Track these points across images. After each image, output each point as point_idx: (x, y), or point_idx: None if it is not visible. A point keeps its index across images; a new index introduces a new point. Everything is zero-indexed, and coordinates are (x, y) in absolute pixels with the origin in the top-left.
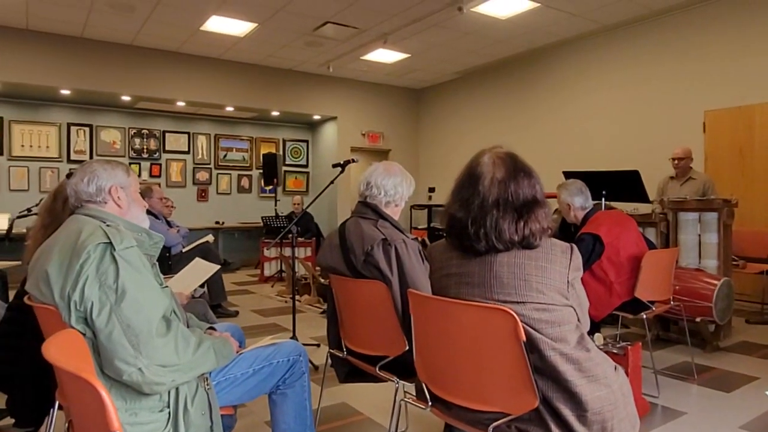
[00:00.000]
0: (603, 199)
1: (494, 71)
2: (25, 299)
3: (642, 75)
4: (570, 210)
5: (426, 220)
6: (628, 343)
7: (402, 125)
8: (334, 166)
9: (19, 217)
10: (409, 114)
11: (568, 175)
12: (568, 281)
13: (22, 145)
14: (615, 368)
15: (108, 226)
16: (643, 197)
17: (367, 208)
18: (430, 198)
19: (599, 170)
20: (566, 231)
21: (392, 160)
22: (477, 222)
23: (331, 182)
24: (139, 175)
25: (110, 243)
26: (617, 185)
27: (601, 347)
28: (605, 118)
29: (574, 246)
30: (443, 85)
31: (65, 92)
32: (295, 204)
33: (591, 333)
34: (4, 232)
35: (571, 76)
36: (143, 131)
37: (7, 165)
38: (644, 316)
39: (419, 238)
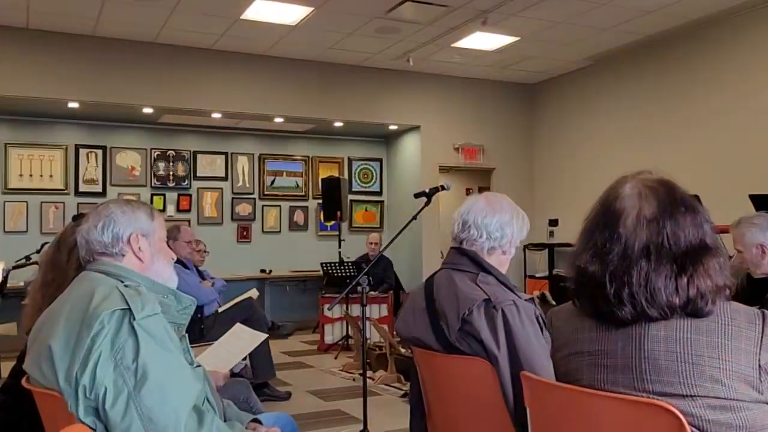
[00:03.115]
0: None
1: (642, 55)
2: (23, 381)
3: None
4: (764, 255)
5: (546, 266)
6: None
7: (510, 135)
8: (417, 195)
9: (15, 267)
10: (520, 119)
11: (759, 201)
12: (759, 366)
13: (20, 174)
14: None
15: (126, 286)
16: None
17: (464, 257)
18: (551, 234)
19: None
20: (752, 287)
21: (497, 181)
22: (618, 278)
23: (413, 218)
24: (164, 210)
25: (129, 309)
26: None
27: None
28: None
29: (767, 313)
30: (568, 78)
31: (73, 106)
32: (371, 244)
33: None
34: None
35: (757, 56)
36: (169, 153)
37: (2, 200)
38: None
39: (537, 294)
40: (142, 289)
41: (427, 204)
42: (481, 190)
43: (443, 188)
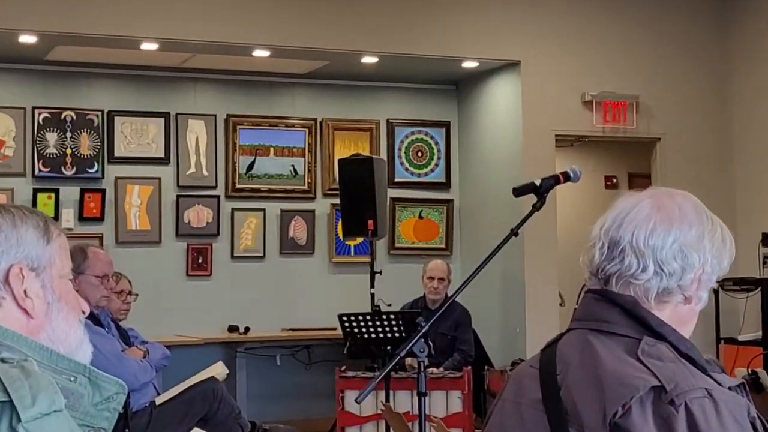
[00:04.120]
0: None
1: None
2: None
3: None
4: None
5: (758, 321)
6: None
7: (688, 78)
8: (520, 191)
9: None
10: (707, 47)
11: None
12: None
13: None
14: None
15: (4, 361)
16: None
17: (613, 309)
18: (766, 262)
19: None
20: None
21: (665, 163)
22: None
23: (513, 233)
24: (57, 217)
25: (10, 402)
26: None
27: None
28: None
29: None
30: None
31: None
32: (431, 281)
33: None
34: None
35: None
36: (65, 115)
37: None
38: None
39: (746, 375)
40: (31, 367)
41: (537, 208)
42: (633, 180)
43: (567, 178)
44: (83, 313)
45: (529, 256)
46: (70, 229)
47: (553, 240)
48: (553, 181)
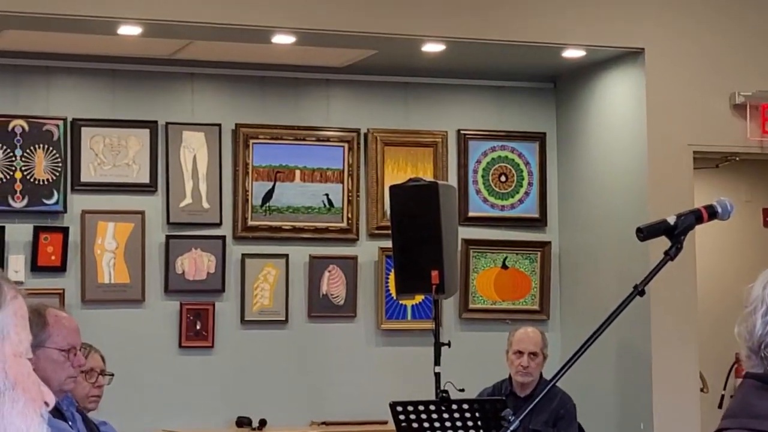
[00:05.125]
0: None
1: None
2: None
3: None
4: None
5: None
6: None
7: None
8: (646, 234)
9: None
10: None
11: None
12: None
13: None
14: None
15: None
16: None
17: None
18: None
19: None
20: None
21: None
22: None
23: (638, 292)
24: (1, 265)
25: None
26: None
27: None
28: None
29: None
30: None
31: None
32: (519, 356)
33: None
34: None
35: None
36: (14, 124)
37: None
38: None
39: None
40: None
41: (671, 256)
42: None
43: (713, 215)
44: (46, 405)
45: (658, 323)
46: (19, 283)
47: (692, 301)
48: (693, 218)
